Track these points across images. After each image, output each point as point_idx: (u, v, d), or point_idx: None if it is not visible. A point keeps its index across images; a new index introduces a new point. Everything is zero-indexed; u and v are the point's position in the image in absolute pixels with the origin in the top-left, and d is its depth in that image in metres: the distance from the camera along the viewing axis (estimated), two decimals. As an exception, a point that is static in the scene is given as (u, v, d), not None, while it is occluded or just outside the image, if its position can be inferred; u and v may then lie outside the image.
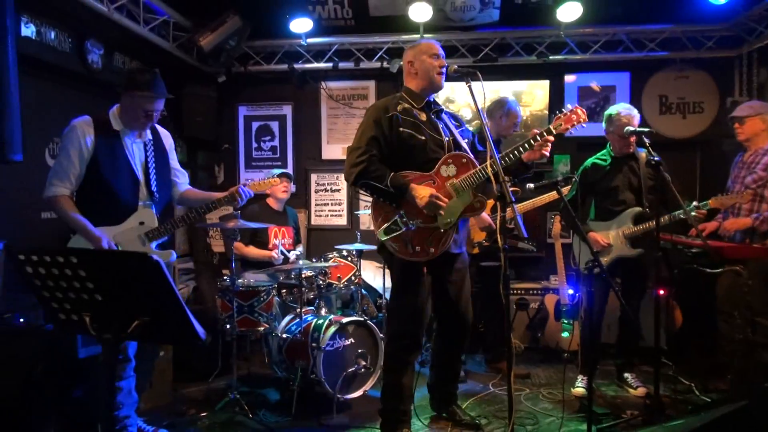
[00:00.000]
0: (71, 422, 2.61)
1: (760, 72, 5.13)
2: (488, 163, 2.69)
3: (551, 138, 2.85)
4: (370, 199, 3.03)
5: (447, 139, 3.00)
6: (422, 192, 2.81)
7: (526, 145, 2.87)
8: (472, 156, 2.95)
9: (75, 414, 2.61)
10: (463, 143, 3.04)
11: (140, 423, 3.14)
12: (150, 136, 3.10)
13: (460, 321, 3.22)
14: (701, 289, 4.42)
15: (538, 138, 2.84)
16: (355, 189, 3.02)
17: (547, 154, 2.90)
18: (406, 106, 2.99)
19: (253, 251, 4.42)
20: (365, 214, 5.74)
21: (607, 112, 3.86)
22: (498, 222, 2.57)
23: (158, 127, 3.20)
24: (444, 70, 2.99)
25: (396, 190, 2.82)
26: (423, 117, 2.99)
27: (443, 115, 3.12)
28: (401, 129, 2.91)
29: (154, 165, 3.08)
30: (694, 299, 4.72)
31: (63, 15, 3.91)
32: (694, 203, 3.61)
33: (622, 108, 3.79)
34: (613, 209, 3.87)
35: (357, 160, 2.87)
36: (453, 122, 3.16)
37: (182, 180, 3.33)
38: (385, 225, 2.90)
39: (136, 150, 3.04)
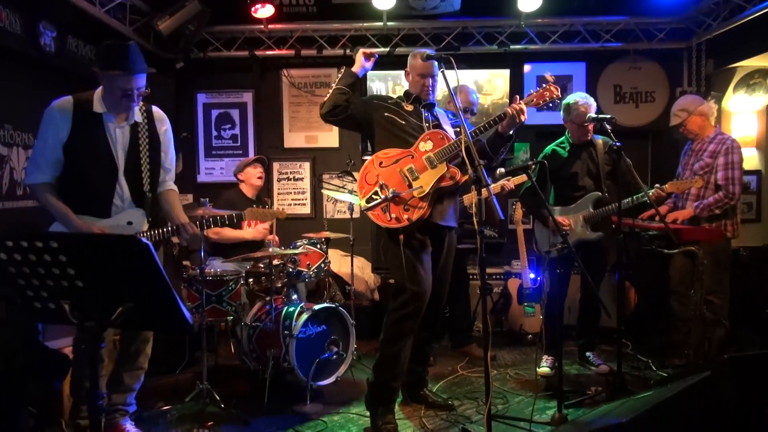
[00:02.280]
0: (49, 414, 2.51)
1: (708, 63, 5.38)
2: (462, 136, 2.83)
3: (522, 107, 3.00)
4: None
5: (428, 125, 3.18)
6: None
7: (497, 118, 3.04)
8: (449, 134, 3.13)
9: (53, 406, 2.51)
10: (449, 130, 3.20)
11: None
12: (140, 118, 2.84)
13: (436, 301, 3.25)
14: (654, 271, 4.64)
15: (509, 112, 2.99)
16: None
17: (524, 118, 3.01)
18: (398, 101, 3.27)
19: (231, 232, 4.38)
20: (329, 202, 5.73)
21: (564, 102, 3.95)
22: (474, 205, 2.62)
23: (155, 109, 2.94)
24: (432, 89, 3.24)
25: (345, 78, 3.22)
26: (409, 108, 3.23)
27: (435, 110, 3.30)
28: (385, 114, 3.18)
29: (147, 152, 2.81)
30: (647, 281, 4.95)
31: (14, -6, 3.72)
32: (657, 186, 3.77)
33: (579, 97, 3.90)
34: (573, 195, 3.98)
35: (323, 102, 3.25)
36: (449, 116, 3.36)
37: (166, 178, 3.02)
38: (367, 196, 3.10)
39: (119, 135, 2.78)
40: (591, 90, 5.64)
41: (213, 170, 5.78)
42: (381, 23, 5.23)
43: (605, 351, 4.35)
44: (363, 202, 3.12)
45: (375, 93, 5.54)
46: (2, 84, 3.76)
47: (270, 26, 5.26)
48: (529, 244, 4.64)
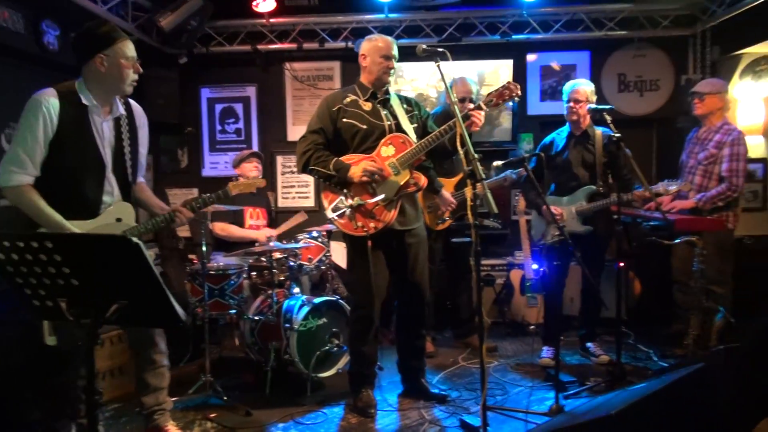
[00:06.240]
0: (56, 408, 2.55)
1: (713, 50, 5.31)
2: (457, 137, 2.77)
3: (479, 111, 3.08)
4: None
5: (389, 124, 3.21)
6: (357, 167, 3.07)
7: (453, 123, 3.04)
8: (410, 137, 3.17)
9: (59, 400, 2.56)
10: (408, 128, 3.23)
11: None
12: (123, 111, 2.65)
13: (415, 294, 3.36)
14: (657, 260, 4.63)
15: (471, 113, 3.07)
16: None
17: (477, 128, 3.12)
18: (353, 98, 3.23)
19: (238, 231, 4.43)
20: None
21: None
22: (468, 198, 2.64)
23: (133, 102, 2.76)
24: (392, 71, 3.20)
25: (338, 172, 3.09)
26: (367, 107, 3.22)
27: (390, 103, 3.28)
28: (344, 120, 3.18)
29: (129, 145, 2.63)
30: (651, 271, 4.93)
31: (16, -6, 3.77)
32: (663, 182, 3.73)
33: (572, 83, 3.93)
34: (567, 184, 3.96)
35: (303, 150, 3.18)
36: (404, 106, 3.32)
37: (141, 172, 2.86)
38: (333, 204, 3.16)
39: (105, 129, 2.57)
40: (595, 79, 5.56)
41: (217, 164, 5.82)
42: (383, 15, 5.22)
43: (607, 341, 4.35)
44: (329, 211, 3.18)
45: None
46: (8, 82, 3.81)
47: (272, 20, 5.27)
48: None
